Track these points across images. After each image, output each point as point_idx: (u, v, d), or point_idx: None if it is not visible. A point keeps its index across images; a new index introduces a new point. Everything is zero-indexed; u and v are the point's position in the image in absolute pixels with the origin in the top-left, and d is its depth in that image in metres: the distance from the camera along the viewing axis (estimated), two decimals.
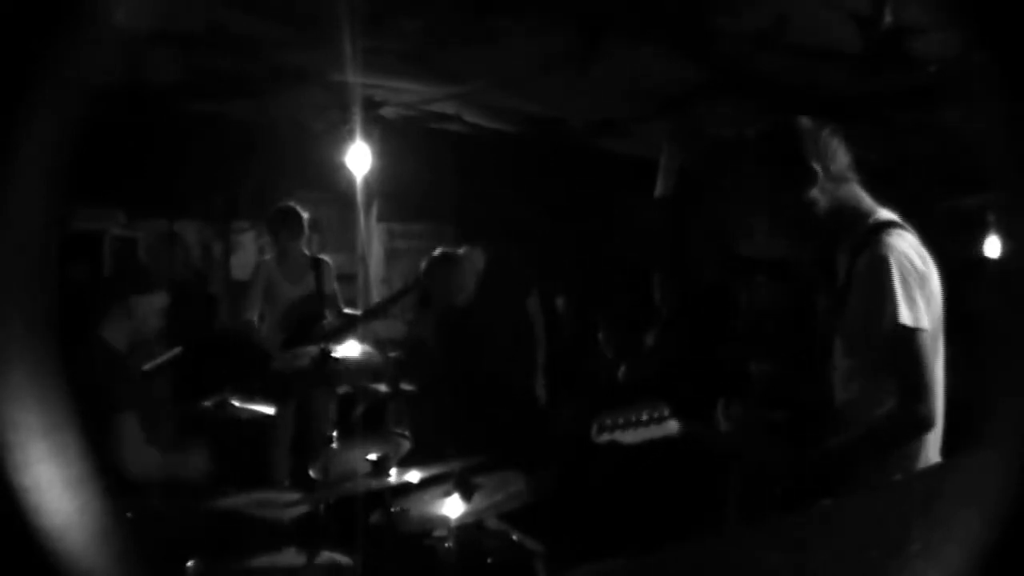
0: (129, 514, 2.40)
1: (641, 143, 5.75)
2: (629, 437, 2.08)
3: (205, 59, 4.32)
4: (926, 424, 1.83)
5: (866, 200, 2.01)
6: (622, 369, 4.87)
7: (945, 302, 1.94)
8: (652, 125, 5.30)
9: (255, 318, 4.64)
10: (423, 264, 4.03)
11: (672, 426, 2.10)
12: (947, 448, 1.91)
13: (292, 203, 4.69)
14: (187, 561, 2.42)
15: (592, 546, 2.80)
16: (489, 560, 2.54)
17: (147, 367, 3.12)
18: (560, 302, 5.60)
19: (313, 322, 4.60)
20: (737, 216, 6.29)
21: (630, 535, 3.27)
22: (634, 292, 5.36)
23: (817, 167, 1.96)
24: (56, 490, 0.74)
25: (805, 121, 2.01)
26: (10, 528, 0.69)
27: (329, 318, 4.69)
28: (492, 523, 2.60)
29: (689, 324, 4.91)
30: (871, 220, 1.96)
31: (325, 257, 4.89)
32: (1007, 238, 2.02)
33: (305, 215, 4.70)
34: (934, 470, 1.74)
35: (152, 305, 2.86)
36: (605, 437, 2.09)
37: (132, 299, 2.81)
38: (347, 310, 4.82)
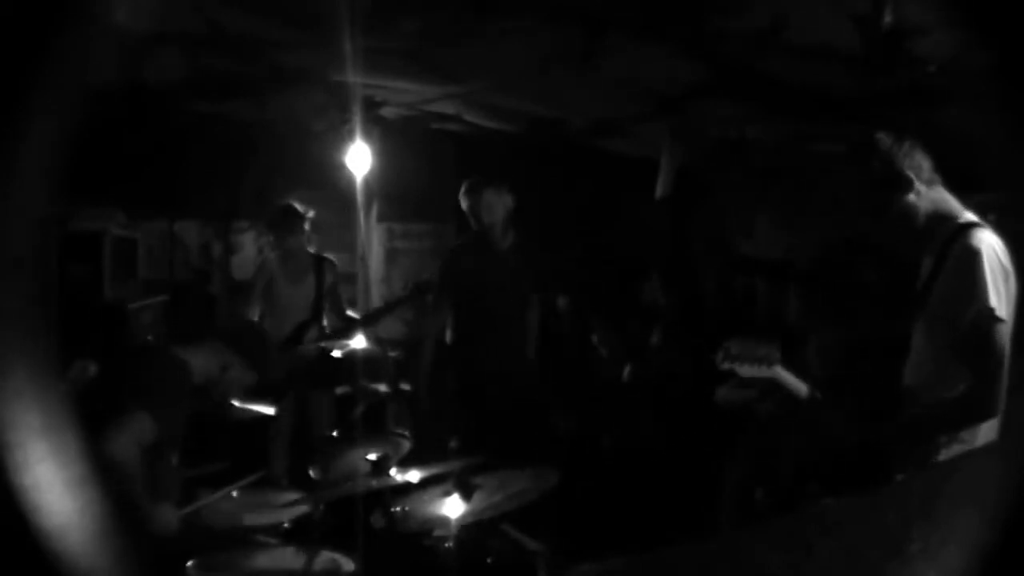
0: (132, 515, 2.40)
1: (641, 143, 5.74)
2: (745, 371, 2.23)
3: (205, 59, 4.32)
4: (992, 410, 1.94)
5: (954, 202, 2.16)
6: (626, 369, 4.87)
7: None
8: (652, 125, 5.30)
9: (255, 318, 4.62)
10: (461, 192, 4.09)
11: (779, 371, 2.23)
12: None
13: (291, 201, 4.66)
14: (187, 561, 2.42)
15: (592, 546, 2.80)
16: (489, 560, 2.54)
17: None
18: (561, 302, 5.59)
19: (310, 323, 4.58)
20: (738, 216, 6.29)
21: (630, 535, 3.27)
22: (631, 292, 5.35)
23: (911, 175, 2.11)
24: (56, 490, 0.74)
25: (886, 137, 2.17)
26: (10, 528, 0.69)
27: (327, 320, 4.67)
28: (492, 523, 2.60)
29: (688, 325, 4.91)
30: (960, 220, 2.11)
31: (330, 256, 4.85)
32: (1007, 238, 2.07)
33: (307, 212, 4.65)
34: (934, 470, 1.75)
35: (224, 360, 2.88)
36: (727, 365, 2.23)
37: (227, 351, 2.87)
38: (349, 312, 4.76)
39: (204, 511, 2.72)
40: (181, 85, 4.71)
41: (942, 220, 2.13)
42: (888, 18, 3.15)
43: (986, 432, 1.97)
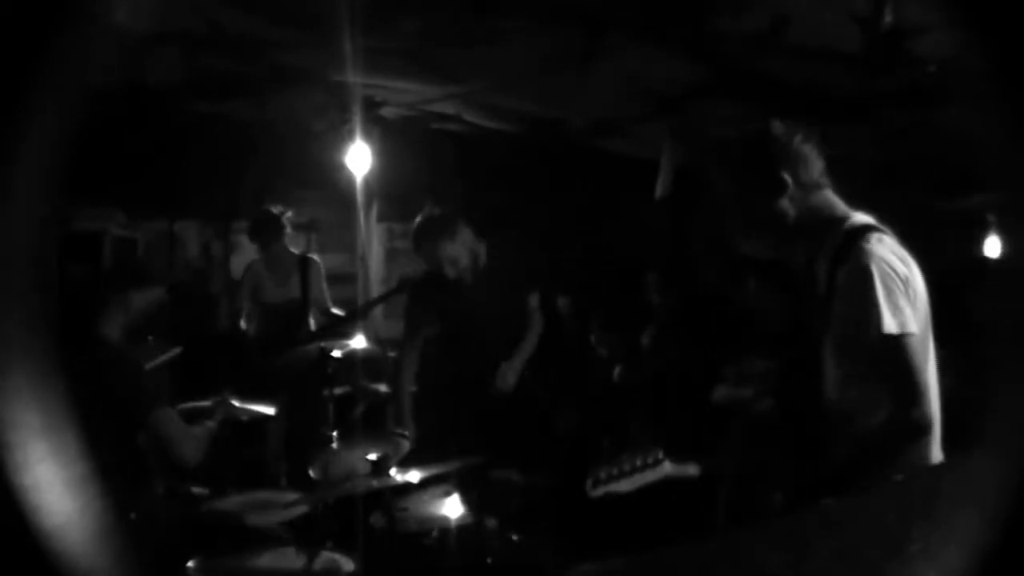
0: (133, 515, 2.41)
1: (641, 143, 5.74)
2: (625, 486, 2.11)
3: (205, 59, 4.32)
4: (924, 428, 1.83)
5: (840, 205, 1.99)
6: (617, 370, 4.88)
7: (937, 301, 1.94)
8: (652, 125, 5.30)
9: (242, 319, 4.69)
10: (413, 226, 3.63)
11: (666, 467, 2.13)
12: (948, 446, 1.91)
13: (268, 207, 4.75)
14: (187, 561, 2.42)
15: (592, 546, 2.80)
16: (489, 560, 2.54)
17: (146, 367, 3.11)
18: (562, 302, 5.60)
19: (296, 323, 4.62)
20: (735, 216, 6.28)
21: (630, 535, 3.27)
22: (629, 292, 5.35)
23: (787, 176, 1.95)
24: (56, 490, 0.74)
25: (777, 127, 1.99)
26: (10, 528, 0.69)
27: (313, 318, 4.72)
28: (492, 523, 2.60)
29: (687, 326, 4.91)
30: (847, 225, 1.94)
31: (314, 256, 4.91)
32: (1007, 238, 2.03)
33: (284, 212, 4.74)
34: (934, 470, 1.74)
35: (148, 300, 2.84)
36: (600, 490, 2.12)
37: (129, 294, 2.78)
38: (334, 310, 4.83)
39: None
40: (181, 85, 4.71)
41: (823, 228, 1.96)
42: (888, 18, 3.14)
43: (928, 449, 1.87)
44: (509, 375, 3.68)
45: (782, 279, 4.19)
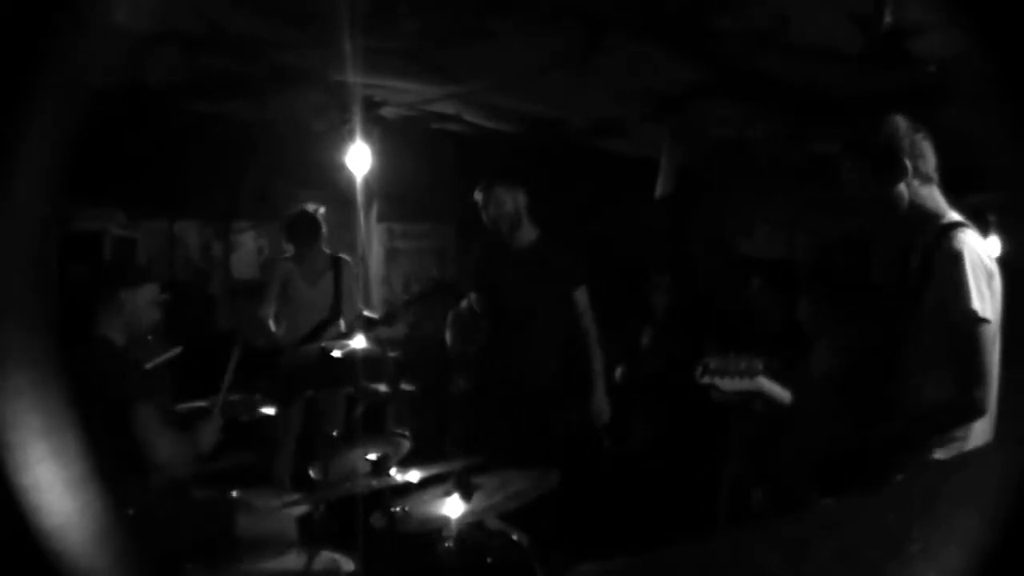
0: (131, 511, 2.40)
1: (641, 143, 5.74)
2: (726, 384, 2.25)
3: (205, 59, 4.32)
4: (980, 410, 1.96)
5: (943, 202, 2.17)
6: (618, 369, 4.88)
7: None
8: (652, 125, 5.30)
9: (271, 317, 4.61)
10: (476, 193, 3.97)
11: (761, 382, 2.25)
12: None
13: (304, 206, 4.66)
14: (187, 561, 2.42)
15: (592, 546, 2.80)
16: (489, 560, 2.54)
17: (147, 366, 3.11)
18: None
19: (330, 322, 4.58)
20: (738, 216, 6.29)
21: (630, 535, 3.27)
22: (630, 292, 5.35)
23: (908, 164, 2.12)
24: (56, 490, 0.74)
25: (902, 120, 2.17)
26: (10, 528, 0.69)
27: (345, 320, 4.66)
28: (492, 523, 2.60)
29: (687, 325, 4.91)
30: (945, 219, 2.12)
31: (345, 256, 4.86)
32: (1007, 238, 2.06)
33: (317, 210, 4.66)
34: (934, 470, 1.75)
35: (143, 298, 2.82)
36: (707, 379, 2.26)
37: (123, 293, 2.77)
38: (366, 312, 4.76)
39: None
40: (181, 85, 4.71)
41: (927, 218, 2.13)
42: (888, 18, 3.15)
43: (981, 430, 1.99)
44: (603, 409, 3.90)
45: (782, 279, 4.19)
